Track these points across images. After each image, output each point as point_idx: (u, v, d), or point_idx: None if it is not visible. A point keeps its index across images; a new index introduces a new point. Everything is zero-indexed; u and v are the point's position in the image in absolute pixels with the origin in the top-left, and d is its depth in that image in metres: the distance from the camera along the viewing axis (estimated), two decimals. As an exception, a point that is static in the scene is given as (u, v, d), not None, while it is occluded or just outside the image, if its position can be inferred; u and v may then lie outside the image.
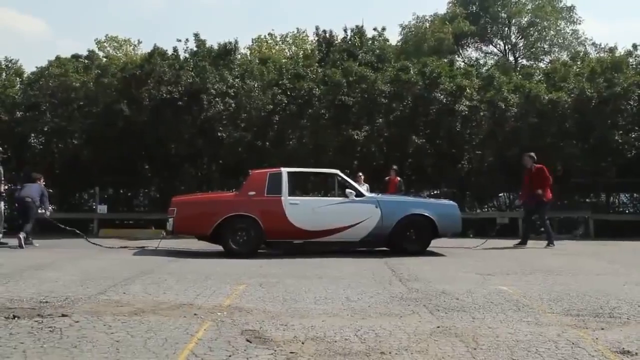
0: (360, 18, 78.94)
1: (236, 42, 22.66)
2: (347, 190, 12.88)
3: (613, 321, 6.10)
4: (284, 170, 12.95)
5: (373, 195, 13.54)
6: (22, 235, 14.29)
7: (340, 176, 13.44)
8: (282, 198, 12.57)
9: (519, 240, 15.33)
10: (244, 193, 12.80)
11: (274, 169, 13.17)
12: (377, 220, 12.73)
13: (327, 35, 25.11)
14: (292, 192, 13.01)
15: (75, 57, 23.37)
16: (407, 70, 21.54)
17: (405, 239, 12.92)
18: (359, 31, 24.74)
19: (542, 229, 15.82)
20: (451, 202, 14.23)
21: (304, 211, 12.62)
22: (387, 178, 18.33)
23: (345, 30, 24.85)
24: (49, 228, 15.99)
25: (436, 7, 76.29)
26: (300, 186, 15.64)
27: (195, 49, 22.48)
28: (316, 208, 12.77)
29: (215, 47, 22.53)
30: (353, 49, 23.56)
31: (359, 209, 12.77)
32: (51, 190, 16.80)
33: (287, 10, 78.27)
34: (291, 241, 13.07)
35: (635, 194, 22.93)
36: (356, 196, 12.85)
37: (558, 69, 23.58)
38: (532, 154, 15.24)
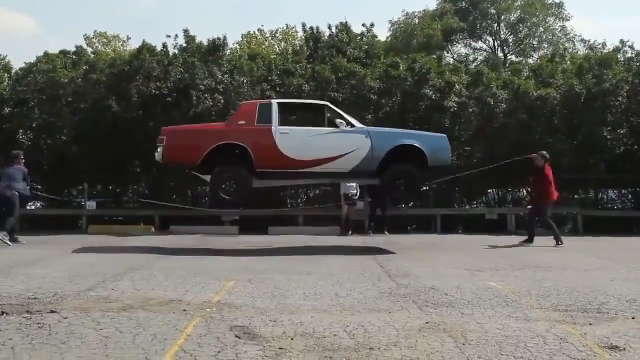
0: (349, 14, 78.91)
1: (225, 38, 22.62)
2: (337, 120, 12.59)
3: (601, 316, 6.13)
4: (274, 101, 12.94)
5: (363, 126, 13.21)
6: (1, 234, 13.67)
7: (330, 107, 13.22)
8: (272, 127, 12.34)
9: (525, 237, 14.96)
10: (233, 122, 12.66)
11: (264, 100, 13.01)
12: (367, 150, 12.44)
13: (314, 31, 25.05)
14: (282, 123, 12.77)
15: (64, 53, 23.24)
16: (397, 66, 21.56)
17: (395, 188, 12.75)
18: (345, 27, 24.69)
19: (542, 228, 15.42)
20: (441, 134, 13.96)
21: (294, 140, 12.39)
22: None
23: (330, 27, 24.82)
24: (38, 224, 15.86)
25: (426, 3, 76.28)
26: (291, 117, 15.26)
27: (184, 44, 22.40)
28: (306, 137, 12.54)
29: (205, 43, 22.45)
30: (340, 45, 23.53)
31: (349, 138, 12.50)
32: (39, 187, 16.68)
33: (277, 6, 78.07)
34: (281, 171, 12.64)
35: (623, 190, 23.05)
36: (346, 126, 12.58)
37: (545, 66, 23.66)
38: (545, 153, 14.95)
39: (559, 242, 14.19)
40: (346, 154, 12.41)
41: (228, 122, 13.03)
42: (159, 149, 12.48)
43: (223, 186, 12.45)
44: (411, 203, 13.31)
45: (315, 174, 12.84)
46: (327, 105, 13.34)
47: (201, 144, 12.29)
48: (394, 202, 12.99)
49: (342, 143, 12.47)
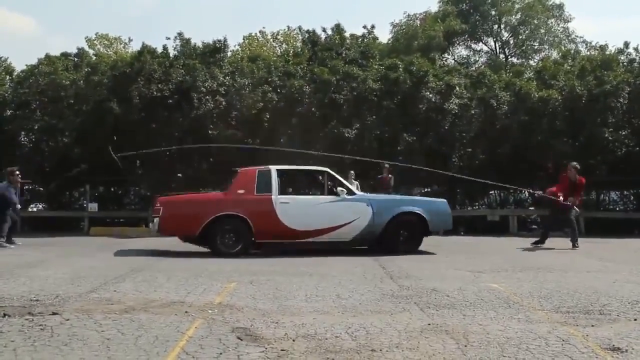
0: (351, 16, 78.86)
1: (225, 40, 22.65)
2: (339, 189, 12.68)
3: (603, 318, 6.12)
4: (273, 168, 12.73)
5: (364, 194, 13.45)
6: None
7: (330, 174, 13.13)
8: (273, 197, 12.32)
9: (537, 239, 14.80)
10: (232, 192, 12.50)
11: (263, 167, 12.91)
12: (368, 218, 12.56)
13: (311, 34, 25.09)
14: (282, 191, 12.78)
15: (65, 55, 23.28)
16: (396, 68, 21.56)
17: (397, 239, 12.79)
18: (338, 30, 24.74)
19: (567, 230, 15.23)
20: (441, 199, 14.19)
21: (296, 210, 12.38)
22: (379, 176, 18.37)
23: (324, 30, 24.89)
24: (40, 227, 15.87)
25: (428, 5, 76.30)
26: (289, 185, 15.27)
27: (180, 47, 22.49)
28: (308, 207, 12.58)
29: (206, 45, 22.48)
30: (336, 48, 23.57)
31: (350, 207, 12.59)
32: (42, 189, 16.68)
33: (279, 8, 78.03)
34: (281, 242, 12.79)
35: (625, 192, 23.04)
36: (347, 194, 12.68)
37: (548, 67, 23.66)
38: (577, 164, 14.63)
39: (576, 245, 14.03)
40: (348, 223, 12.54)
41: (227, 191, 12.81)
42: (155, 220, 12.40)
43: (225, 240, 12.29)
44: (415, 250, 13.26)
45: (315, 244, 12.80)
46: (327, 172, 13.19)
47: (200, 215, 12.15)
48: (400, 252, 12.87)
49: (344, 212, 12.57)
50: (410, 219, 12.88)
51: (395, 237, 12.79)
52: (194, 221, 12.15)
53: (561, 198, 14.15)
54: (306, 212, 12.47)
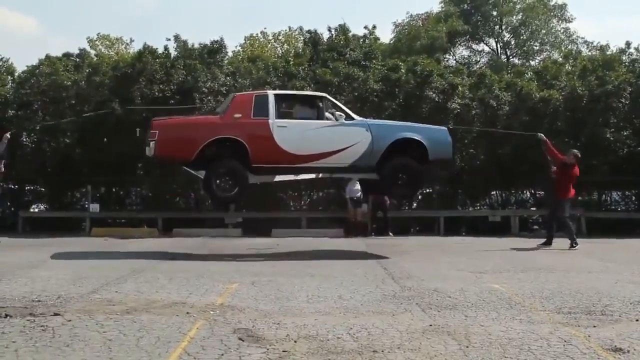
0: (352, 16, 78.85)
1: (222, 40, 22.65)
2: (337, 113, 12.19)
3: (605, 319, 6.12)
4: (271, 93, 12.49)
5: (363, 119, 12.91)
6: None
7: (329, 99, 12.77)
8: (270, 120, 11.86)
9: (544, 240, 14.60)
10: (229, 116, 12.03)
11: (260, 91, 12.53)
12: (367, 143, 12.01)
13: (312, 35, 25.06)
14: (280, 116, 12.19)
15: (67, 55, 23.26)
16: (398, 69, 21.56)
17: (396, 183, 12.38)
18: (343, 30, 24.70)
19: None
20: (442, 127, 13.59)
21: (293, 134, 11.91)
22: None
23: (329, 30, 24.85)
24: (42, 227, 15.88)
25: (430, 5, 76.39)
26: (288, 111, 14.41)
27: (177, 49, 22.53)
28: (305, 131, 12.05)
29: (203, 46, 22.49)
30: (339, 48, 23.53)
31: (349, 132, 12.08)
32: (43, 189, 16.68)
33: (280, 9, 78.06)
34: (278, 167, 12.30)
35: (627, 192, 23.01)
36: (346, 119, 12.18)
37: (550, 67, 23.64)
38: (578, 153, 14.64)
39: (574, 244, 13.91)
40: (346, 148, 11.98)
41: (223, 114, 12.28)
42: (150, 144, 11.85)
43: (218, 183, 11.95)
44: (412, 196, 12.80)
45: (313, 169, 12.55)
46: (326, 97, 12.83)
47: (195, 138, 11.74)
48: (395, 196, 12.65)
49: (342, 137, 12.04)
50: (410, 144, 12.22)
51: (395, 181, 12.35)
52: (189, 145, 11.72)
53: (554, 168, 14.50)
54: (304, 135, 11.98)
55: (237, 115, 11.93)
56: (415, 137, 12.23)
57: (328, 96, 13.00)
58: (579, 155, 14.55)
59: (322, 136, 12.05)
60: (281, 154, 11.85)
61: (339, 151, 11.99)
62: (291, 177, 13.67)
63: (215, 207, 16.66)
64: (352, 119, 12.30)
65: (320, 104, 12.56)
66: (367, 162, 12.18)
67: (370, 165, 12.27)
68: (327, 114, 12.23)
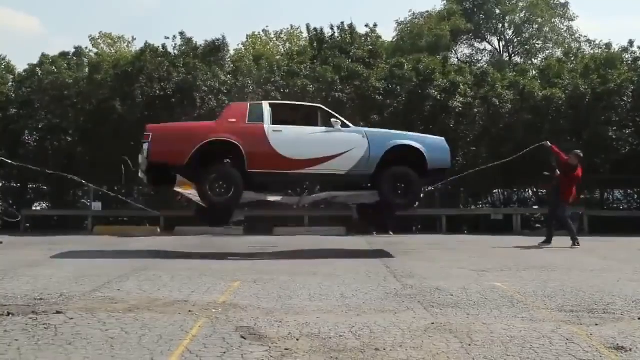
0: (355, 14, 78.93)
1: (224, 38, 22.66)
2: (333, 120, 11.99)
3: (607, 317, 6.11)
4: (265, 103, 12.42)
5: (359, 127, 12.78)
6: None
7: (325, 110, 12.65)
8: (265, 125, 11.73)
9: (544, 239, 14.59)
10: (224, 120, 11.91)
11: (254, 102, 12.44)
12: (364, 150, 11.81)
13: (318, 32, 25.06)
14: (274, 123, 11.97)
15: (63, 54, 23.27)
16: (402, 66, 21.56)
17: (394, 192, 12.02)
18: (350, 28, 24.68)
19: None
20: (440, 137, 13.20)
21: (288, 139, 11.72)
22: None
23: (332, 28, 24.84)
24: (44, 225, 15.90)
25: (433, 3, 76.36)
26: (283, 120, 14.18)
27: (182, 46, 22.51)
28: (301, 136, 11.92)
29: (206, 44, 22.50)
30: (345, 46, 23.53)
31: (345, 137, 11.89)
32: (45, 188, 16.71)
33: (282, 7, 78.10)
34: (274, 173, 11.89)
35: (629, 190, 23.03)
36: (342, 126, 11.99)
37: (552, 66, 23.64)
38: (580, 153, 14.67)
39: (576, 243, 13.91)
40: (343, 153, 11.77)
41: (218, 120, 12.18)
42: (144, 146, 11.65)
43: (212, 187, 11.58)
44: (411, 208, 12.63)
45: (310, 176, 12.38)
46: (321, 108, 12.80)
47: (189, 141, 11.50)
48: (394, 207, 12.49)
49: (339, 142, 11.84)
50: (407, 153, 12.02)
51: (393, 189, 11.99)
52: (182, 147, 11.46)
53: (558, 172, 14.56)
54: (300, 140, 11.84)
55: (231, 120, 11.82)
56: (413, 145, 12.08)
57: (323, 107, 12.92)
58: (581, 155, 14.54)
59: (318, 141, 11.89)
60: (277, 158, 11.62)
61: (335, 156, 11.79)
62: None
63: (212, 224, 16.21)
64: (348, 126, 12.14)
65: (318, 114, 12.57)
66: (364, 170, 11.94)
67: (367, 174, 12.04)
68: (332, 120, 12.08)
